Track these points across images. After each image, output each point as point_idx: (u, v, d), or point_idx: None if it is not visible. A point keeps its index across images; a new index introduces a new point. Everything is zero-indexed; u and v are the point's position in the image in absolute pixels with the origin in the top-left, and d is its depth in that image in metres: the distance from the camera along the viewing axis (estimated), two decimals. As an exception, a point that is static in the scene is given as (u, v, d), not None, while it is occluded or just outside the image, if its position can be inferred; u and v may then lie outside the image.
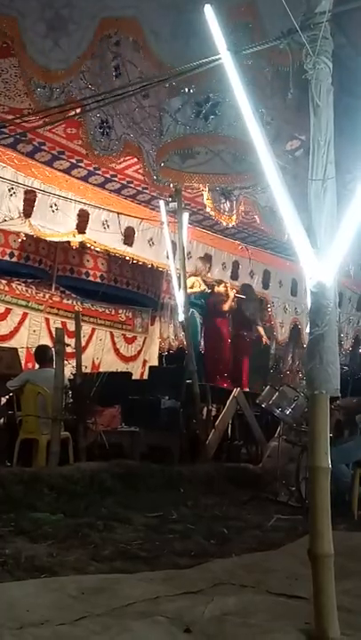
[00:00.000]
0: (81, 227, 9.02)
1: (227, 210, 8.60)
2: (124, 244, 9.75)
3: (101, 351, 11.63)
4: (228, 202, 8.50)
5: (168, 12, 4.93)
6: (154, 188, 8.34)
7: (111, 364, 11.64)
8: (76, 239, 9.19)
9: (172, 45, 4.95)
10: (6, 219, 8.18)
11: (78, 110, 6.20)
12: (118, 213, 9.46)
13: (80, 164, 8.84)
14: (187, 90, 5.94)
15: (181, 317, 8.97)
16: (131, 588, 3.46)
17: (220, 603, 3.26)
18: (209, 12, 3.28)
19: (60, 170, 8.77)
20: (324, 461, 2.74)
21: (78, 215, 9.02)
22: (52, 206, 8.69)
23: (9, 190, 8.12)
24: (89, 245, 9.66)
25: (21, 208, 8.26)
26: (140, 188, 9.71)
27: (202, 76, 4.92)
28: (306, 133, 3.31)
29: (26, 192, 8.30)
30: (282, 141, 6.78)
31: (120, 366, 11.69)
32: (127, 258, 10.14)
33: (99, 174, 9.15)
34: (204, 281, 10.52)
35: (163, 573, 3.89)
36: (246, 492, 6.87)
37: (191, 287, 9.73)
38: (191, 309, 9.48)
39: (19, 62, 5.51)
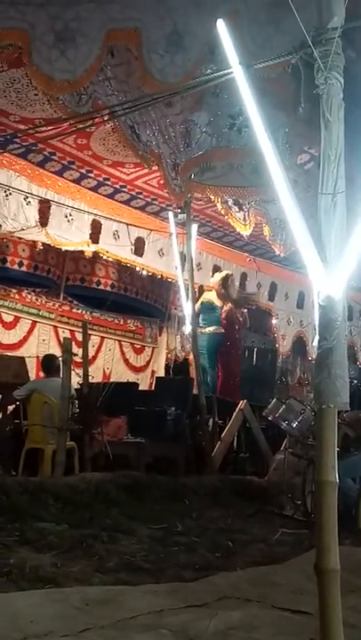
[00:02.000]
0: (94, 237, 9.07)
1: (241, 219, 8.63)
2: (135, 254, 9.78)
3: (111, 361, 11.64)
4: (241, 211, 8.52)
5: (165, 24, 4.95)
6: (170, 197, 8.33)
7: (122, 374, 11.64)
8: (90, 249, 9.22)
9: (162, 59, 4.97)
10: (24, 227, 8.22)
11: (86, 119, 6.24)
12: (127, 224, 9.49)
13: (90, 175, 8.88)
14: (210, 100, 5.95)
15: (188, 329, 8.98)
16: (135, 601, 3.46)
17: (225, 617, 3.25)
18: (221, 26, 3.30)
19: (70, 180, 8.83)
20: (332, 475, 2.72)
21: (91, 225, 9.06)
22: (67, 216, 8.73)
23: (24, 199, 8.16)
24: (102, 255, 9.69)
25: (37, 217, 8.31)
26: (149, 200, 9.75)
27: (229, 86, 4.94)
28: (316, 147, 3.32)
29: (40, 202, 8.35)
30: (293, 154, 6.80)
31: (130, 377, 11.69)
32: (138, 268, 10.16)
33: (108, 185, 9.20)
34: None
35: (167, 586, 3.89)
36: (252, 505, 6.83)
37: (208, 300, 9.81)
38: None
39: (25, 69, 5.56)
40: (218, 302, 10.06)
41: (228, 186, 6.74)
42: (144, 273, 10.42)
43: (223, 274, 10.33)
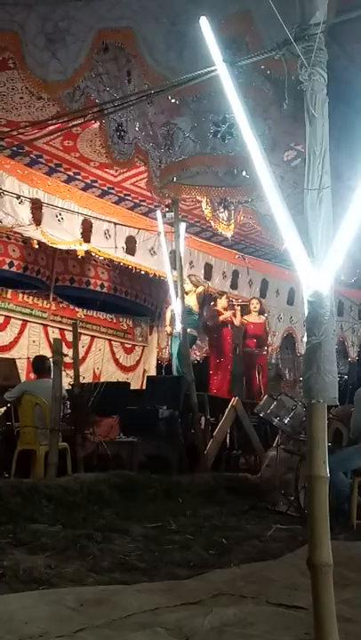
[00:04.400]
0: (85, 236, 9.05)
1: (225, 219, 8.61)
2: (126, 252, 9.77)
3: (101, 361, 11.64)
4: (226, 211, 8.51)
5: (162, 23, 4.97)
6: (155, 195, 8.33)
7: (112, 373, 11.65)
8: (82, 248, 9.21)
9: (166, 57, 4.99)
10: (18, 225, 8.20)
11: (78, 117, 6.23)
12: (115, 224, 9.48)
13: (78, 177, 8.87)
14: (192, 105, 5.95)
15: (179, 327, 8.98)
16: (130, 600, 3.45)
17: (220, 613, 3.25)
18: (204, 23, 3.30)
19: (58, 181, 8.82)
20: (323, 470, 2.73)
21: (82, 225, 9.04)
22: (56, 216, 8.71)
23: (17, 198, 8.14)
24: (93, 254, 9.68)
25: (30, 216, 8.29)
26: (137, 201, 9.75)
27: (210, 91, 4.95)
28: (302, 143, 3.33)
29: (32, 201, 8.33)
30: (279, 151, 6.80)
31: (120, 376, 11.70)
32: (130, 267, 10.16)
33: (96, 186, 9.19)
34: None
35: (162, 584, 3.88)
36: (245, 502, 6.84)
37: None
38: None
39: (20, 73, 5.54)
40: (196, 308, 10.03)
41: (201, 185, 6.75)
42: (135, 272, 10.41)
43: (200, 289, 10.24)
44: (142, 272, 10.36)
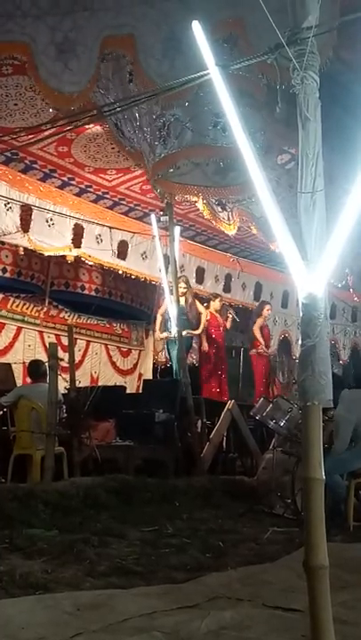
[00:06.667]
0: (76, 241, 9.03)
1: (225, 218, 8.63)
2: (118, 257, 9.75)
3: (98, 364, 11.62)
4: (224, 211, 8.52)
5: (160, 30, 5.01)
6: (155, 192, 8.33)
7: (109, 377, 11.62)
8: (72, 253, 9.18)
9: (161, 64, 5.02)
10: (5, 233, 8.18)
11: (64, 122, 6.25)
12: (110, 228, 9.48)
13: (72, 182, 8.87)
14: (189, 97, 5.95)
15: (174, 331, 8.97)
16: (127, 604, 3.45)
17: (217, 617, 3.26)
18: (196, 27, 3.31)
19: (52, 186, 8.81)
20: (318, 473, 2.73)
21: (73, 230, 9.02)
22: (47, 221, 8.68)
23: (5, 205, 8.12)
24: (84, 259, 9.65)
25: (19, 223, 8.26)
26: (132, 205, 9.75)
27: (207, 86, 4.99)
28: (296, 147, 3.34)
29: (22, 207, 8.30)
30: (273, 153, 6.81)
31: (118, 380, 11.68)
32: (120, 272, 10.14)
33: (91, 192, 9.19)
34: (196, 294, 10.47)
35: (159, 588, 3.88)
36: (242, 505, 6.84)
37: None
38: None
39: (34, 82, 5.56)
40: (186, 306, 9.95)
41: (191, 184, 6.76)
42: (128, 276, 10.38)
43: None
44: (133, 277, 10.35)
